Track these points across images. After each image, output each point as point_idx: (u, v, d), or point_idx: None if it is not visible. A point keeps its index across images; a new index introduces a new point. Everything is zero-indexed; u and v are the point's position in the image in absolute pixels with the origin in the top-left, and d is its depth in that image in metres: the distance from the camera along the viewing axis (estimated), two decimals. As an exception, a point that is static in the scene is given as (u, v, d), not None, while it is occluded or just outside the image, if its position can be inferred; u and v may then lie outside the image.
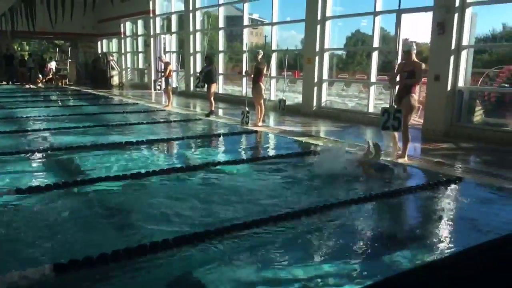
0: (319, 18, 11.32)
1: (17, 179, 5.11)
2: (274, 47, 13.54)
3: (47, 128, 8.81)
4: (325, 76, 11.70)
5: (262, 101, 9.67)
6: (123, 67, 22.02)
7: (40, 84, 21.33)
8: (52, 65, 22.93)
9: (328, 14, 11.34)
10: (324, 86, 11.81)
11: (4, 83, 21.63)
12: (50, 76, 22.49)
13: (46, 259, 3.08)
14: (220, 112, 12.02)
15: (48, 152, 6.69)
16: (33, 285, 2.79)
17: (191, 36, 16.74)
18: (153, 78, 18.47)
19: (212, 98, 11.10)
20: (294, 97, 14.15)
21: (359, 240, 3.61)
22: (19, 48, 27.50)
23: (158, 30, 19.03)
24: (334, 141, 7.84)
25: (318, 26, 11.35)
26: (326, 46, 11.49)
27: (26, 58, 23.18)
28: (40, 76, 22.28)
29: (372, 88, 10.78)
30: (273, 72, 13.34)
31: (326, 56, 11.61)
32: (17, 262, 3.05)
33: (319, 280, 2.91)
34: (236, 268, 3.06)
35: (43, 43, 30.17)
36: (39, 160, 6.26)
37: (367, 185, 5.10)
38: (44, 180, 5.05)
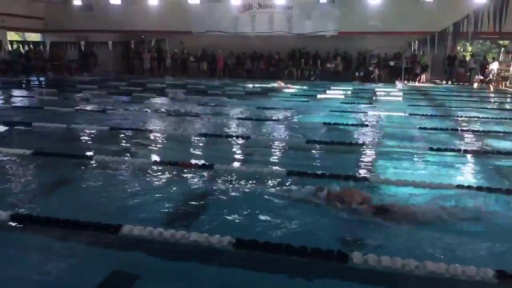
0: None
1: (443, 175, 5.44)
2: None
3: (486, 131, 8.66)
4: None
5: None
6: None
7: (475, 85, 21.03)
8: (494, 66, 22.01)
9: None
10: None
11: (444, 82, 22.72)
12: (490, 77, 21.67)
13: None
14: None
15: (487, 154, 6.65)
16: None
17: None
18: None
19: None
20: None
21: None
22: (461, 49, 27.93)
23: None
24: None
25: None
26: None
27: (467, 59, 23.39)
28: (478, 77, 21.85)
29: None
30: None
31: None
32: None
33: None
34: None
35: (487, 43, 29.42)
36: (473, 162, 6.32)
37: None
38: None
